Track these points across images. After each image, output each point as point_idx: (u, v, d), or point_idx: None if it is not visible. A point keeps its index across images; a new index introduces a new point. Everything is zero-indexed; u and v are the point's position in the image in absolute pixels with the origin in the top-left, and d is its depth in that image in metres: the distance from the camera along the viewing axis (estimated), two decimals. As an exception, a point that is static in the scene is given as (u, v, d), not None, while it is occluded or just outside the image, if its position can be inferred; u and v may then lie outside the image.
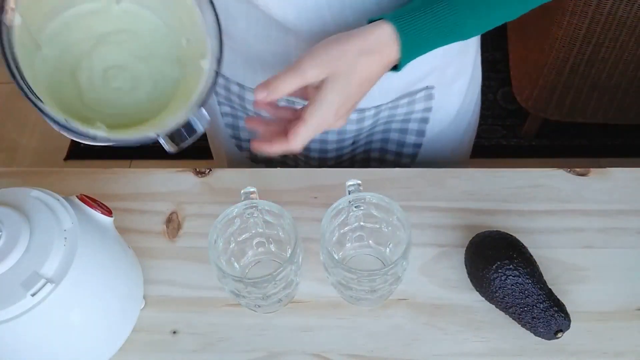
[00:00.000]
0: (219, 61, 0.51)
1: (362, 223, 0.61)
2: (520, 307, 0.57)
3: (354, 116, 0.76)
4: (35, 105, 0.43)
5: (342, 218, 0.60)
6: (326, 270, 0.59)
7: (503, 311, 0.60)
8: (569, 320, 0.57)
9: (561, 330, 0.57)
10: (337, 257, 0.59)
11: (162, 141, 0.49)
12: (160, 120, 0.50)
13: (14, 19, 0.41)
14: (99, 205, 0.57)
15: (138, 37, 0.53)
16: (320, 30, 0.63)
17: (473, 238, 0.63)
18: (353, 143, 0.82)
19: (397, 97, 0.75)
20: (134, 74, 0.52)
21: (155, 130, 0.49)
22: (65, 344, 0.53)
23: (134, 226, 0.70)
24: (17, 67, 0.42)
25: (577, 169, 0.72)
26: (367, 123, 0.78)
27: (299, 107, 0.59)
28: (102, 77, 0.51)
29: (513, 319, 0.59)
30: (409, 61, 0.57)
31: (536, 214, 0.68)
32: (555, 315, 0.57)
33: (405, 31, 0.55)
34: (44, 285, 0.48)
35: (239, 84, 0.76)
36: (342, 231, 0.61)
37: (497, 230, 0.63)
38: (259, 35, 0.67)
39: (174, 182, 0.73)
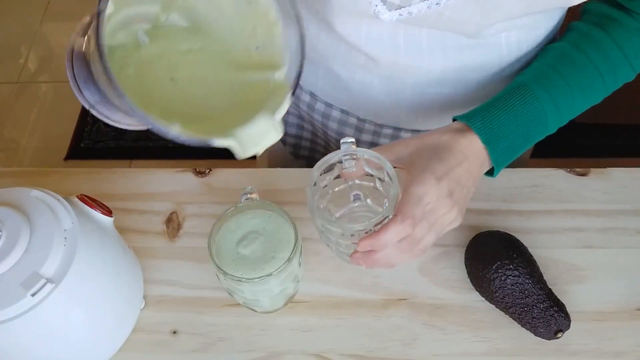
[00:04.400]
0: (299, 76, 0.50)
1: (357, 181, 0.60)
2: (520, 307, 0.57)
3: (408, 134, 0.77)
4: (119, 96, 0.42)
5: (336, 174, 0.59)
6: (319, 231, 0.58)
7: (503, 311, 0.60)
8: (569, 320, 0.57)
9: (561, 330, 0.57)
10: (336, 216, 0.60)
11: (234, 147, 0.49)
12: (235, 126, 0.49)
13: (107, 6, 0.42)
14: (99, 205, 0.57)
15: (214, 40, 0.52)
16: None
17: (473, 238, 0.63)
18: None
19: None
20: (209, 80, 0.52)
21: (229, 136, 0.48)
22: (65, 344, 0.53)
23: (134, 226, 0.70)
24: (104, 59, 0.41)
25: (577, 169, 0.72)
26: None
27: None
28: (180, 84, 0.51)
29: (513, 319, 0.59)
30: (502, 167, 0.59)
31: (536, 214, 0.68)
32: (555, 315, 0.57)
33: (492, 143, 0.57)
34: (44, 285, 0.48)
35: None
36: (337, 189, 0.60)
37: (497, 230, 0.63)
38: (343, 60, 0.69)
39: (174, 182, 0.73)
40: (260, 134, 0.49)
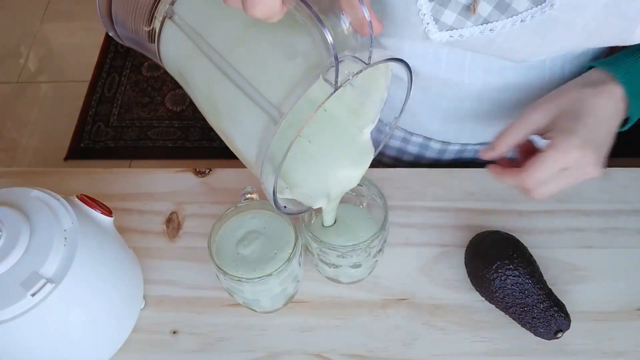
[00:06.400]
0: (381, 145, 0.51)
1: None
2: (520, 307, 0.57)
3: (437, 145, 0.77)
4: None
5: None
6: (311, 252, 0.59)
7: (503, 311, 0.60)
8: (569, 320, 0.57)
9: (561, 330, 0.57)
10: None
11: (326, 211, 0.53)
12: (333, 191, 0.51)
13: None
14: (99, 205, 0.57)
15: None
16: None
17: (473, 238, 0.63)
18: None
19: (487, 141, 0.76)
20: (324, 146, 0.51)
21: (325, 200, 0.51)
22: (65, 344, 0.53)
23: (134, 226, 0.70)
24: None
25: (577, 169, 0.72)
26: (448, 157, 0.79)
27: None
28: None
29: (513, 319, 0.59)
30: (635, 120, 0.56)
31: (536, 214, 0.68)
32: (555, 315, 0.57)
33: (629, 81, 0.54)
34: (44, 285, 0.48)
35: None
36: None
37: (497, 230, 0.63)
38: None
39: (174, 182, 0.73)
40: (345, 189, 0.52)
